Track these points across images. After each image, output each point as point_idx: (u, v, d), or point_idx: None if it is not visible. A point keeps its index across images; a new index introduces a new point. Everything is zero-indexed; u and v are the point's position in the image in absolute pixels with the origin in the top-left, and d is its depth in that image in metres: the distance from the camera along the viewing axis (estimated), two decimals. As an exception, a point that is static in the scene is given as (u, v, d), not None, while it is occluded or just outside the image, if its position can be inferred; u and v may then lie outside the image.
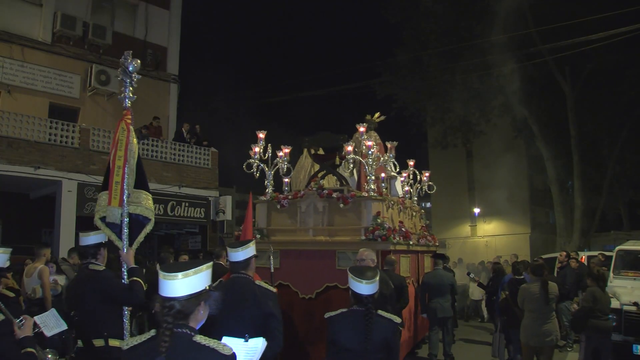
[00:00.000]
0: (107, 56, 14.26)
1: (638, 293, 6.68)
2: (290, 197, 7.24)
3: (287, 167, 7.87)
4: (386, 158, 7.61)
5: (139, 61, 4.01)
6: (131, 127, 3.87)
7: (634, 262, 7.70)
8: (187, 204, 13.88)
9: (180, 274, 1.93)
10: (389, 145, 7.69)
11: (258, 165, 7.59)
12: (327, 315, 3.44)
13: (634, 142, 19.43)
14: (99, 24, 14.03)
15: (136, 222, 3.83)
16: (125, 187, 3.75)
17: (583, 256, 10.82)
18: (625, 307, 6.41)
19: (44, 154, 11.56)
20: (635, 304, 6.33)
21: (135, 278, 3.71)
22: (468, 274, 11.14)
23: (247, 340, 2.68)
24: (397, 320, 3.41)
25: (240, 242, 3.83)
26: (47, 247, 6.97)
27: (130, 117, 3.91)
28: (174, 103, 16.03)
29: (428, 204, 28.67)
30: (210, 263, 2.07)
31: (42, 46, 13.22)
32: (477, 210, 27.69)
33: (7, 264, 3.39)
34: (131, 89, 3.97)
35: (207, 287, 2.02)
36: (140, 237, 3.88)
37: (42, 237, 12.93)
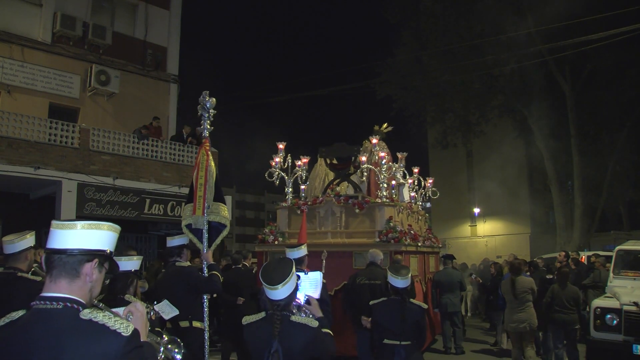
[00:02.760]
0: (107, 56, 14.26)
1: (638, 293, 6.66)
2: (309, 203, 7.94)
3: (305, 175, 8.60)
4: (396, 167, 8.54)
5: (214, 99, 4.87)
6: (210, 153, 4.80)
7: (634, 262, 7.68)
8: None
9: (279, 286, 2.73)
10: (399, 155, 8.71)
11: (279, 174, 8.28)
12: (371, 302, 4.44)
13: (634, 142, 19.42)
14: (99, 24, 14.01)
15: (215, 228, 4.75)
16: (205, 200, 4.67)
17: (583, 256, 10.84)
18: (625, 307, 6.39)
19: (44, 154, 11.56)
20: (635, 304, 6.32)
21: (214, 272, 4.60)
22: (470, 274, 11.40)
23: (307, 273, 3.95)
24: (425, 306, 4.37)
25: (296, 244, 4.95)
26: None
27: (209, 144, 4.84)
28: (174, 103, 16.01)
29: (428, 204, 28.65)
30: (294, 270, 2.86)
31: (42, 46, 13.21)
32: (477, 210, 27.68)
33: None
34: (208, 122, 4.87)
35: (296, 285, 2.85)
36: (218, 240, 4.80)
37: (42, 237, 12.92)
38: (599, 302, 6.78)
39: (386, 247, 7.12)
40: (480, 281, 10.53)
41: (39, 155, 11.48)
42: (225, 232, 4.82)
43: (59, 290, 1.61)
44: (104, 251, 1.71)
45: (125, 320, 1.62)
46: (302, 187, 8.56)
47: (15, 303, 3.09)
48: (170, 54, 15.92)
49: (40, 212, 12.69)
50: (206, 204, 4.63)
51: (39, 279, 3.69)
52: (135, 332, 1.59)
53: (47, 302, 1.59)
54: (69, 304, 1.59)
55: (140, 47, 15.14)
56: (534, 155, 22.32)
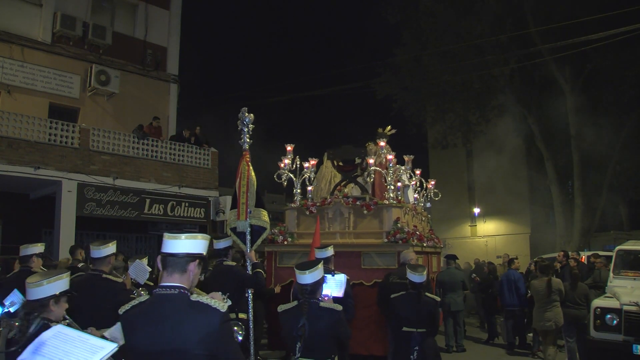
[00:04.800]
0: (107, 56, 14.26)
1: (638, 293, 6.65)
2: (318, 204, 8.17)
3: (311, 177, 8.87)
4: (403, 169, 8.92)
5: (252, 115, 5.45)
6: (250, 165, 5.42)
7: (634, 262, 7.68)
8: (187, 204, 13.88)
9: (307, 271, 3.49)
10: (406, 158, 9.02)
11: (287, 175, 8.46)
12: (392, 296, 5.05)
13: (634, 142, 19.38)
14: (99, 24, 14.02)
15: (256, 231, 5.39)
16: (248, 206, 5.33)
17: (583, 256, 10.84)
18: (625, 307, 6.38)
19: (44, 154, 11.56)
20: (635, 303, 6.32)
21: (258, 269, 5.32)
22: (471, 274, 11.59)
23: (334, 275, 4.75)
24: (438, 299, 5.14)
25: (324, 245, 5.58)
26: None
27: (249, 156, 5.44)
28: (174, 103, 16.02)
29: (428, 204, 28.58)
30: (321, 266, 3.59)
31: (42, 46, 13.21)
32: (477, 210, 27.66)
33: None
34: (248, 136, 5.47)
35: (322, 276, 3.59)
36: (259, 242, 5.46)
37: (42, 237, 12.92)
38: (599, 302, 6.78)
39: (394, 248, 7.38)
40: (479, 280, 10.73)
41: (39, 155, 11.48)
42: (265, 234, 5.54)
43: (173, 281, 2.28)
44: (201, 254, 2.37)
45: (221, 301, 2.27)
46: (309, 188, 8.75)
47: (100, 299, 4.00)
48: (170, 54, 15.93)
49: (40, 212, 12.70)
50: (249, 210, 5.32)
51: (120, 280, 4.42)
52: (228, 310, 2.28)
53: (167, 289, 2.26)
54: (182, 291, 2.25)
55: (140, 47, 15.14)
56: (533, 155, 22.29)
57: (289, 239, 8.08)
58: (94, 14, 14.29)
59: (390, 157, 8.21)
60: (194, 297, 2.25)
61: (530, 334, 9.05)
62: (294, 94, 21.02)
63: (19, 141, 11.29)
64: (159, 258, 2.36)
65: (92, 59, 13.96)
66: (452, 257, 9.71)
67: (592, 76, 17.73)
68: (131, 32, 15.22)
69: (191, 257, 2.30)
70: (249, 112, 5.52)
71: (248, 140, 5.46)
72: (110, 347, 1.67)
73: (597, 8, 14.30)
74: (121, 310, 2.32)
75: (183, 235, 2.29)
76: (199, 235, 2.35)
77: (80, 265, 6.89)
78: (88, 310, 3.78)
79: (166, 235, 2.33)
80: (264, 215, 5.40)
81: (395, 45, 19.95)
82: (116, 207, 12.50)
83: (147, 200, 13.06)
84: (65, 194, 11.75)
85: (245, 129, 5.43)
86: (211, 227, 14.57)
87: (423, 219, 9.86)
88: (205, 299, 2.25)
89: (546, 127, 18.86)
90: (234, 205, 5.39)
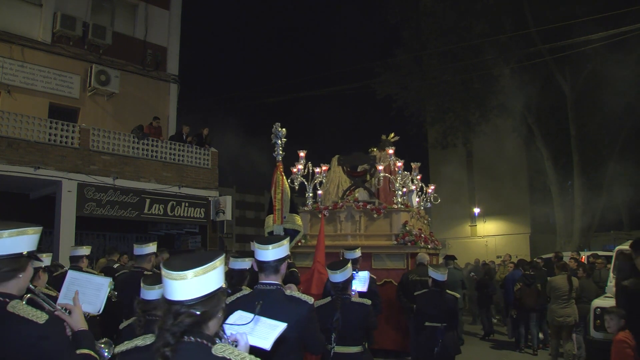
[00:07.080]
0: (107, 56, 14.25)
1: (638, 293, 6.64)
2: (330, 207, 8.70)
3: (322, 182, 9.35)
4: (409, 176, 9.38)
5: (284, 129, 5.89)
6: (283, 175, 5.93)
7: (633, 262, 7.68)
8: (187, 204, 13.88)
9: (338, 271, 3.91)
10: (413, 165, 9.62)
11: (299, 180, 8.87)
12: (416, 293, 5.53)
13: (634, 142, 19.38)
14: (99, 24, 14.00)
15: (290, 235, 5.69)
16: (283, 212, 5.89)
17: (583, 256, 10.85)
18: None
19: (44, 154, 11.55)
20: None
21: (293, 269, 5.72)
22: (470, 272, 11.91)
23: (357, 272, 5.19)
24: (458, 296, 5.49)
25: (353, 246, 6.17)
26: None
27: (282, 167, 5.94)
28: (174, 103, 16.01)
29: (428, 204, 28.54)
30: (349, 265, 3.98)
31: (42, 46, 13.20)
32: (477, 210, 27.67)
33: None
34: (281, 148, 5.90)
35: (352, 274, 4.06)
36: (292, 244, 5.68)
37: (42, 237, 12.90)
38: (599, 302, 6.78)
39: (403, 249, 7.90)
40: (477, 279, 11.03)
41: (39, 155, 11.48)
42: (298, 237, 6.08)
43: (270, 279, 2.82)
44: (289, 255, 2.90)
45: (309, 296, 2.83)
46: (320, 192, 9.23)
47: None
48: (170, 54, 15.92)
49: (40, 212, 12.69)
50: (283, 215, 5.85)
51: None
52: (313, 302, 2.83)
53: (266, 286, 2.81)
54: (277, 287, 2.81)
55: (140, 47, 15.13)
56: (534, 155, 22.30)
57: (302, 241, 8.46)
58: (94, 14, 14.28)
59: (399, 164, 8.76)
60: (287, 292, 2.82)
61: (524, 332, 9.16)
62: (294, 93, 21.00)
63: (19, 141, 11.28)
64: (253, 261, 2.90)
65: (92, 59, 13.94)
66: (450, 258, 10.16)
67: (592, 76, 17.74)
68: (131, 32, 15.21)
69: (281, 261, 2.81)
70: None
71: (281, 152, 5.91)
72: (283, 326, 1.92)
73: (597, 8, 14.31)
74: (228, 300, 2.73)
75: (270, 246, 2.78)
76: (284, 241, 2.84)
77: (115, 265, 7.18)
78: (131, 304, 4.02)
79: (257, 245, 2.82)
80: (298, 219, 5.94)
81: (395, 45, 19.97)
82: (116, 207, 12.50)
83: (147, 200, 13.06)
84: (65, 194, 11.74)
85: (279, 142, 5.87)
86: (211, 227, 14.57)
87: (425, 222, 10.30)
88: (296, 293, 2.86)
89: (546, 127, 18.86)
90: (270, 211, 5.95)
